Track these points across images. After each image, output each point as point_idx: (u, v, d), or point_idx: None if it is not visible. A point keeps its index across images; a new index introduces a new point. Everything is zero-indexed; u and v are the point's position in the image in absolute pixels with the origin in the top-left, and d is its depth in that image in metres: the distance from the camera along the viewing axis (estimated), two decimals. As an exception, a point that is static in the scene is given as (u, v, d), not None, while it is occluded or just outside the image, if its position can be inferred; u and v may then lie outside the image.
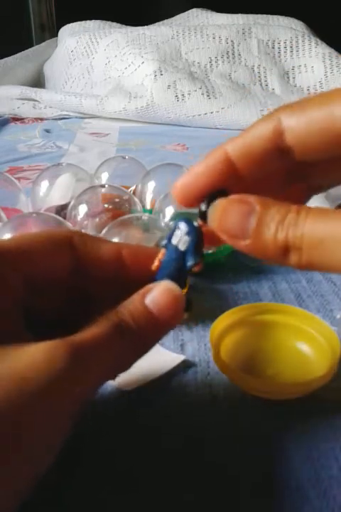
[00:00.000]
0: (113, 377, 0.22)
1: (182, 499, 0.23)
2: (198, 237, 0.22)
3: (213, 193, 0.20)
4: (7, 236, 0.36)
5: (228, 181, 0.21)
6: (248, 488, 0.23)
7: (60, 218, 0.39)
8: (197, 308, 0.38)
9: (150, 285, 0.22)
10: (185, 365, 0.31)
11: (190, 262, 0.22)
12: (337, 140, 0.18)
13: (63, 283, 0.23)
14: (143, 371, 0.30)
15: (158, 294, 0.21)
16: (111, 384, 0.29)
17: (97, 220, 0.44)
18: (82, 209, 0.44)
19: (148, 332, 0.21)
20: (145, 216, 0.41)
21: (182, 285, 0.22)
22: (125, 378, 0.29)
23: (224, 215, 0.19)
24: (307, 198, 0.23)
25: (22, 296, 0.22)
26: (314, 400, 0.28)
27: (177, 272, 0.22)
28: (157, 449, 0.25)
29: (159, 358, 0.31)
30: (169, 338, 0.34)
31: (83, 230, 0.43)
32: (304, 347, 0.32)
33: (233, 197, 0.20)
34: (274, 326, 0.33)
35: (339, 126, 0.18)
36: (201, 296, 0.39)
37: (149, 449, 0.25)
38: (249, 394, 0.28)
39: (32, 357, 0.18)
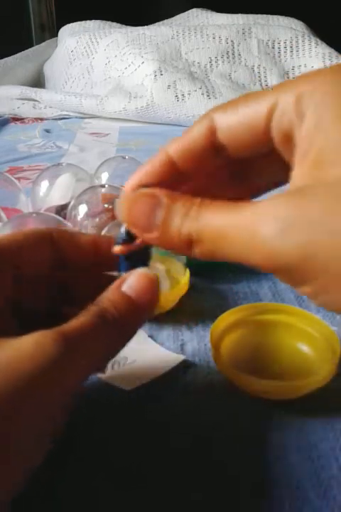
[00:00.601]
0: (101, 367, 0.23)
1: (182, 499, 0.23)
2: None
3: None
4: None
5: (172, 181, 0.21)
6: (248, 488, 0.23)
7: (60, 218, 0.39)
8: (197, 308, 0.38)
9: (125, 274, 0.23)
10: (185, 365, 0.31)
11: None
12: (262, 136, 0.19)
13: (46, 276, 0.24)
14: (143, 371, 0.30)
15: (133, 280, 0.22)
16: (111, 384, 0.29)
17: (97, 220, 0.44)
18: (82, 209, 0.44)
19: (130, 317, 0.22)
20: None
21: (146, 262, 0.23)
22: (125, 378, 0.29)
23: (133, 208, 0.20)
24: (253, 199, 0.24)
25: (11, 294, 0.23)
26: (314, 400, 0.28)
27: (135, 254, 0.23)
28: (157, 448, 0.25)
29: (159, 358, 0.31)
30: (169, 338, 0.34)
31: (83, 230, 0.44)
32: (304, 347, 0.32)
33: (141, 191, 0.21)
34: (274, 326, 0.33)
35: (264, 123, 0.19)
36: (201, 296, 0.39)
37: (149, 448, 0.25)
38: (248, 394, 0.28)
39: (20, 348, 0.18)
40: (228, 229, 0.18)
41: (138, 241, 0.22)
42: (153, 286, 0.22)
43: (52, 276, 0.24)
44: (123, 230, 0.22)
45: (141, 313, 0.22)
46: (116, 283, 0.22)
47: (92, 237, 0.25)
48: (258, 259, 0.18)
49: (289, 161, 0.19)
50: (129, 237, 0.22)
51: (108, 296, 0.22)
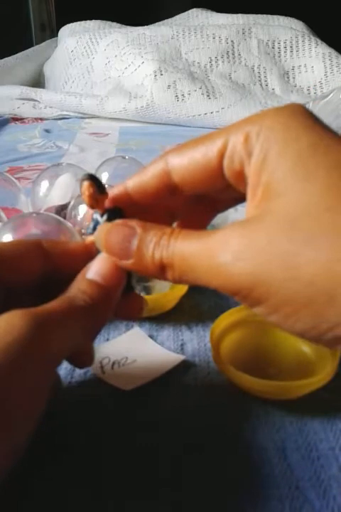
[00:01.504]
0: (79, 349, 0.23)
1: (182, 499, 0.23)
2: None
3: (109, 208, 0.24)
4: (7, 236, 0.36)
5: (128, 207, 0.24)
6: (248, 488, 0.23)
7: (60, 218, 0.39)
8: (197, 308, 0.38)
9: (89, 263, 0.23)
10: (185, 365, 0.31)
11: None
12: (215, 175, 0.21)
13: (37, 285, 0.24)
14: (142, 371, 0.30)
15: (96, 265, 0.23)
16: (111, 384, 0.29)
17: (97, 220, 0.44)
18: (82, 209, 0.44)
19: (99, 300, 0.22)
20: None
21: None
22: (125, 378, 0.29)
23: (109, 237, 0.22)
24: (211, 217, 0.26)
25: (0, 301, 0.23)
26: (314, 400, 0.28)
27: None
28: (156, 449, 0.25)
29: (159, 358, 0.31)
30: (169, 338, 0.34)
31: (83, 230, 0.43)
32: (304, 347, 0.32)
33: (117, 221, 0.22)
34: (274, 326, 0.33)
35: (216, 162, 0.21)
36: (201, 296, 0.39)
37: (149, 448, 0.25)
38: (248, 394, 0.28)
39: None
40: (193, 257, 0.20)
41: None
42: (116, 266, 0.23)
43: (43, 285, 0.24)
44: (91, 224, 0.24)
45: (110, 295, 0.23)
46: (82, 271, 0.23)
47: (82, 243, 0.26)
48: (216, 284, 0.19)
49: (244, 192, 0.21)
50: (95, 231, 0.24)
51: (76, 286, 0.23)
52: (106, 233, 0.22)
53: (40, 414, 0.20)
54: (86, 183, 0.23)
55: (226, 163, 0.20)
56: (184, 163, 0.21)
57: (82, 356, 0.23)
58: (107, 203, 0.24)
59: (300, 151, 0.18)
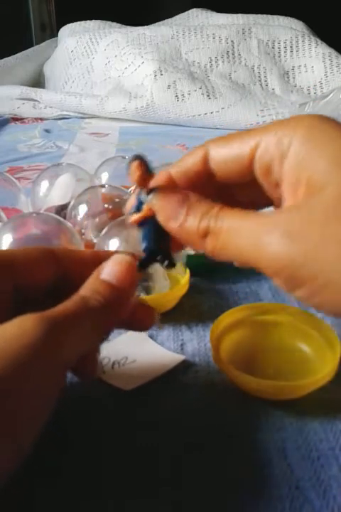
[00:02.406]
0: (91, 348, 0.23)
1: (182, 498, 0.23)
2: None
3: (153, 188, 0.24)
4: (7, 236, 0.36)
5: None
6: (248, 488, 0.23)
7: (60, 218, 0.39)
8: (197, 308, 0.38)
9: (102, 264, 0.24)
10: (185, 365, 0.31)
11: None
12: (246, 168, 0.23)
13: (49, 292, 0.25)
14: (142, 371, 0.30)
15: (110, 266, 0.24)
16: (111, 384, 0.29)
17: (97, 220, 0.44)
18: (82, 209, 0.44)
19: (111, 300, 0.23)
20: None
21: (165, 240, 0.24)
22: (125, 378, 0.29)
23: (164, 199, 0.23)
24: None
25: (11, 298, 0.23)
26: (314, 400, 0.28)
27: (155, 230, 0.24)
28: (156, 449, 0.25)
29: (159, 358, 0.31)
30: (169, 338, 0.34)
31: (83, 230, 0.44)
32: (304, 347, 0.32)
33: (174, 187, 0.24)
34: (274, 326, 0.33)
35: (248, 157, 0.23)
36: (201, 296, 0.39)
37: (149, 448, 0.25)
38: (248, 394, 0.28)
39: (5, 331, 0.19)
40: (240, 231, 0.21)
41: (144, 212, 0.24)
42: (130, 269, 0.24)
43: (54, 290, 0.25)
44: (135, 203, 0.25)
45: (122, 295, 0.23)
46: (95, 272, 0.24)
47: (94, 252, 0.26)
48: (258, 261, 0.20)
49: (267, 189, 0.23)
50: (139, 210, 0.24)
51: (89, 286, 0.23)
52: (162, 195, 0.23)
53: (47, 417, 0.20)
54: (135, 163, 0.24)
55: (257, 159, 0.22)
56: (221, 153, 0.24)
57: (88, 365, 0.24)
58: (151, 184, 0.25)
59: (337, 148, 0.20)
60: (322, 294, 0.19)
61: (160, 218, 0.23)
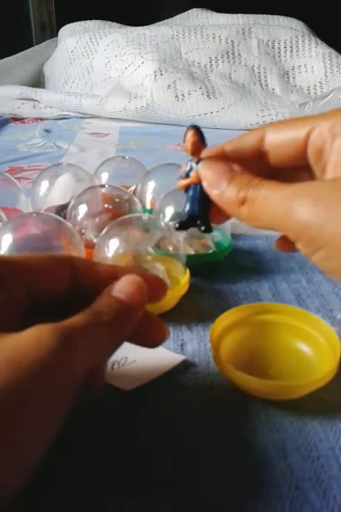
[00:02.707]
0: (99, 363, 0.24)
1: (182, 499, 0.23)
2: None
3: (204, 158, 0.26)
4: (7, 236, 0.36)
5: None
6: (248, 488, 0.23)
7: (60, 218, 0.39)
8: (197, 308, 0.38)
9: (114, 282, 0.25)
10: (185, 365, 0.31)
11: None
12: (300, 151, 0.25)
13: (63, 299, 0.25)
14: (142, 371, 0.30)
15: (121, 284, 0.25)
16: (111, 384, 0.29)
17: (97, 220, 0.44)
18: (82, 209, 0.44)
19: (122, 315, 0.24)
20: (145, 216, 0.41)
21: (206, 206, 0.26)
22: (125, 378, 0.29)
23: (211, 167, 0.25)
24: None
25: (24, 303, 0.24)
26: (314, 400, 0.28)
27: (200, 195, 0.27)
28: (156, 449, 0.25)
29: (159, 358, 0.31)
30: (169, 338, 0.34)
31: (83, 230, 0.43)
32: (304, 347, 0.32)
33: (222, 159, 0.26)
34: (274, 326, 0.33)
35: (303, 140, 0.25)
36: (201, 296, 0.39)
37: (148, 448, 0.25)
38: (248, 394, 0.28)
39: (21, 341, 0.19)
40: (273, 200, 0.23)
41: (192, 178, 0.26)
42: (141, 288, 0.25)
43: (69, 299, 0.25)
44: (187, 169, 0.27)
45: (132, 311, 0.24)
46: (106, 289, 0.25)
47: (113, 267, 0.27)
48: (287, 227, 0.22)
49: (318, 173, 0.25)
50: (188, 176, 0.27)
51: (101, 301, 0.24)
52: (209, 164, 0.26)
53: (56, 430, 0.20)
54: (191, 131, 0.26)
55: (311, 141, 0.24)
56: (278, 135, 0.26)
57: (96, 377, 0.24)
58: (203, 154, 0.27)
59: None
60: (338, 257, 0.21)
61: (205, 184, 0.25)
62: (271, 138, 0.26)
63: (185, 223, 0.27)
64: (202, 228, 0.27)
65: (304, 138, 0.24)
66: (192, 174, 0.26)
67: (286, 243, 0.25)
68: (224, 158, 0.26)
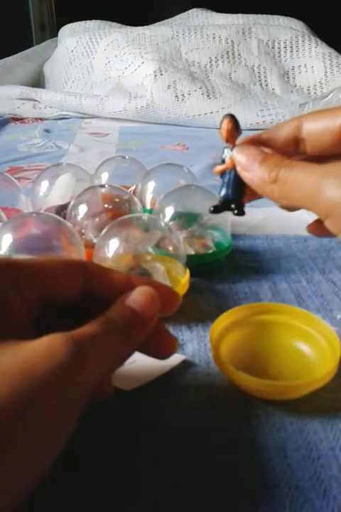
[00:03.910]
0: (109, 372, 0.24)
1: (182, 499, 0.23)
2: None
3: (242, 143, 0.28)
4: (7, 236, 0.36)
5: None
6: (248, 488, 0.23)
7: (60, 218, 0.39)
8: (197, 308, 0.38)
9: (127, 293, 0.25)
10: (185, 365, 0.31)
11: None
12: (335, 140, 0.26)
13: (75, 304, 0.25)
14: (142, 371, 0.30)
15: (135, 294, 0.25)
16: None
17: (97, 220, 0.44)
18: (82, 209, 0.44)
19: (135, 325, 0.24)
20: (145, 216, 0.41)
21: (240, 190, 0.28)
22: (125, 378, 0.29)
23: (244, 151, 0.27)
24: None
25: (36, 307, 0.24)
26: (314, 400, 0.28)
27: (235, 179, 0.28)
28: (155, 449, 0.25)
29: (159, 358, 0.31)
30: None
31: (83, 230, 0.43)
32: (304, 347, 0.32)
33: (255, 144, 0.27)
34: (274, 326, 0.33)
35: (338, 130, 0.25)
36: (201, 296, 0.39)
37: (148, 449, 0.25)
38: (248, 394, 0.28)
39: (34, 349, 0.19)
40: (303, 179, 0.24)
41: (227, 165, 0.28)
42: (154, 299, 0.25)
43: (81, 304, 0.25)
44: (223, 156, 0.28)
45: (145, 321, 0.25)
46: (120, 299, 0.25)
47: (126, 275, 0.27)
48: (316, 205, 0.23)
49: None
50: (223, 162, 0.28)
51: (114, 310, 0.24)
52: (242, 149, 0.27)
53: (66, 440, 0.20)
54: (226, 119, 0.27)
55: None
56: (315, 124, 0.26)
57: (104, 385, 0.24)
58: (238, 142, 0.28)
59: None
60: None
61: (238, 168, 0.27)
62: (309, 126, 0.26)
63: (219, 207, 0.28)
64: (235, 212, 0.28)
65: (339, 127, 0.25)
66: (227, 160, 0.28)
67: (318, 228, 0.27)
68: (258, 143, 0.27)
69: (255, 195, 0.28)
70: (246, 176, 0.27)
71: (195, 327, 0.35)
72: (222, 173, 0.28)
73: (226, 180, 0.28)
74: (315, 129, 0.26)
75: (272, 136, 0.28)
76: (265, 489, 0.23)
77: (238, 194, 0.28)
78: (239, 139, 0.28)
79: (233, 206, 0.28)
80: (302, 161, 0.25)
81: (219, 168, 0.28)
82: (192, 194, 0.46)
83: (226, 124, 0.27)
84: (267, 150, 0.26)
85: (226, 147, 0.28)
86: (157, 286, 0.26)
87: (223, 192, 0.28)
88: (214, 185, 0.41)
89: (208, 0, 1.62)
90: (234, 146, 0.28)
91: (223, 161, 0.28)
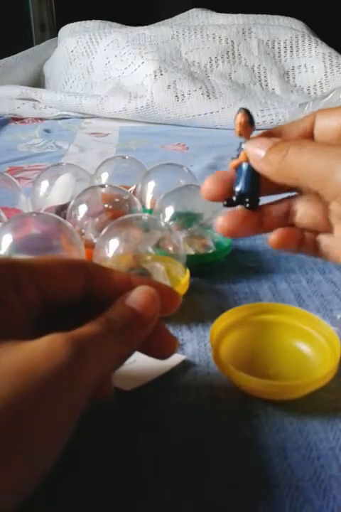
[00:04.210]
0: (109, 372, 0.24)
1: (182, 500, 0.23)
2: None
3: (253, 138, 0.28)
4: (7, 236, 0.36)
5: None
6: (248, 488, 0.23)
7: (60, 218, 0.39)
8: (197, 308, 0.38)
9: (127, 292, 0.25)
10: (185, 365, 0.31)
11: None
12: None
13: (75, 304, 0.25)
14: (142, 371, 0.30)
15: (135, 294, 0.25)
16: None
17: (97, 220, 0.44)
18: (82, 209, 0.44)
19: (135, 325, 0.24)
20: (145, 216, 0.41)
21: (254, 184, 0.28)
22: (125, 378, 0.29)
23: (255, 143, 0.26)
24: None
25: (37, 307, 0.24)
26: (314, 400, 0.28)
27: (249, 174, 0.28)
28: (155, 449, 0.25)
29: (159, 358, 0.31)
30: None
31: (83, 230, 0.44)
32: (304, 347, 0.32)
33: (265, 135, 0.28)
34: (274, 326, 0.33)
35: None
36: (201, 296, 0.39)
37: (148, 449, 0.25)
38: (248, 394, 0.28)
39: (35, 350, 0.19)
40: (315, 160, 0.24)
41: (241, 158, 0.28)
42: (154, 299, 0.25)
43: (82, 304, 0.25)
44: (237, 151, 0.28)
45: (145, 321, 0.24)
46: (120, 299, 0.25)
47: (126, 275, 0.27)
48: (326, 186, 0.23)
49: None
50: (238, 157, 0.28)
51: (114, 310, 0.24)
52: (257, 139, 0.27)
53: (66, 441, 0.20)
54: (240, 113, 0.27)
55: None
56: (327, 121, 0.27)
57: (104, 386, 0.24)
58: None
59: None
60: None
61: (251, 159, 0.26)
62: (320, 123, 0.27)
63: (233, 201, 0.28)
64: (247, 205, 0.28)
65: None
66: (241, 154, 0.28)
67: (283, 239, 0.27)
68: (270, 136, 0.27)
69: (271, 189, 0.28)
70: (257, 166, 0.26)
71: (195, 327, 0.35)
72: (237, 168, 0.28)
73: (239, 174, 0.28)
74: (327, 125, 0.27)
75: (286, 130, 0.28)
76: (265, 489, 0.23)
77: (252, 188, 0.28)
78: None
79: (247, 200, 0.28)
80: (312, 141, 0.25)
81: (234, 162, 0.28)
82: (192, 194, 0.46)
83: (239, 118, 0.27)
84: (277, 139, 0.26)
85: (241, 142, 0.28)
86: (157, 286, 0.26)
87: (237, 186, 0.28)
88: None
89: (208, 0, 1.62)
90: (247, 139, 0.28)
91: (238, 156, 0.28)
